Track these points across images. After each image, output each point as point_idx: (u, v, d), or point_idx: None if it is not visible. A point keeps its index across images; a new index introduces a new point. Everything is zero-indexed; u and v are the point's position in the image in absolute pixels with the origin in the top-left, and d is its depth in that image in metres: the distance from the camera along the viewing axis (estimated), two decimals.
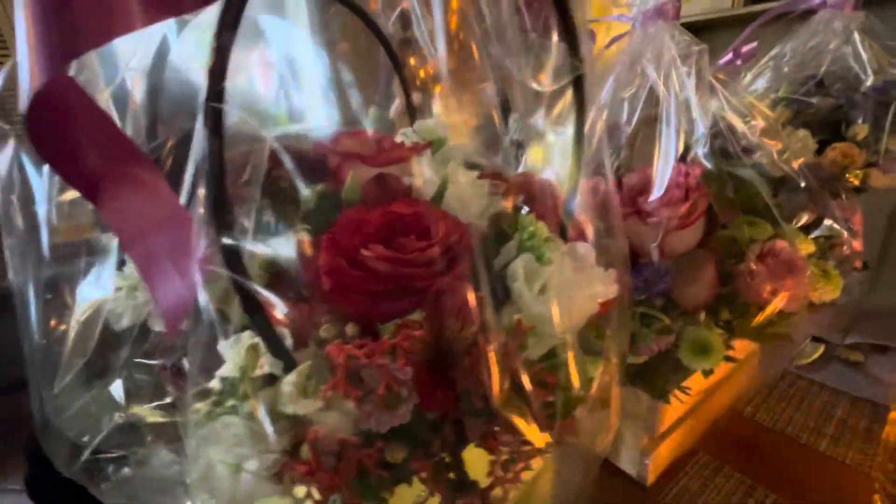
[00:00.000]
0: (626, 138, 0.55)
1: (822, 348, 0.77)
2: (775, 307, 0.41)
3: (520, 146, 0.45)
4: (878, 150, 0.65)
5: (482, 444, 0.21)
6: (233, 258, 0.18)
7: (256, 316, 0.20)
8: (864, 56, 0.70)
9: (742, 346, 0.52)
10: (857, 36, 0.71)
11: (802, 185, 0.58)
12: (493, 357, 0.20)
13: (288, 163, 0.21)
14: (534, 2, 0.26)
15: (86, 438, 0.26)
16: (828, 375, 0.71)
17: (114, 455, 0.28)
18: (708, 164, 0.46)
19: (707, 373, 0.48)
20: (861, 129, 0.66)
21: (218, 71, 0.17)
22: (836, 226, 0.53)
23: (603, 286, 0.29)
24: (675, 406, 0.53)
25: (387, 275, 0.25)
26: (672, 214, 0.42)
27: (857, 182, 0.67)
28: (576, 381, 0.23)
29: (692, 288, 0.42)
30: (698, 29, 2.69)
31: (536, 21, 0.26)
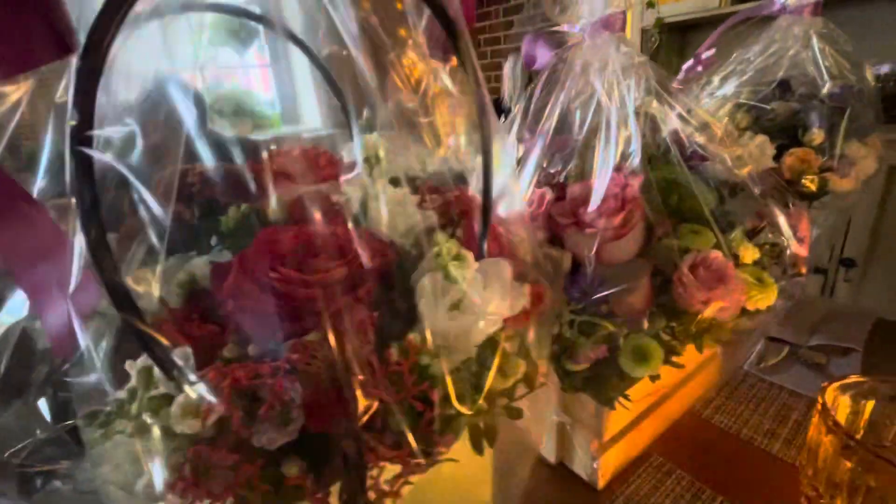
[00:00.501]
0: (577, 148, 0.55)
1: (786, 350, 0.78)
2: (708, 315, 0.42)
3: None
4: (834, 155, 0.66)
5: (369, 461, 0.22)
6: (116, 292, 0.19)
7: (143, 339, 0.21)
8: (822, 62, 0.71)
9: (694, 353, 0.53)
10: (815, 42, 0.72)
11: (757, 191, 0.59)
12: (358, 377, 0.21)
13: (143, 212, 0.22)
14: (434, 31, 0.27)
15: (7, 454, 0.27)
16: (788, 377, 0.72)
17: (41, 469, 0.29)
18: (644, 174, 0.47)
19: (654, 378, 0.49)
20: (817, 135, 0.67)
21: (83, 115, 0.18)
22: (781, 232, 0.54)
23: (511, 301, 0.31)
24: (624, 411, 0.54)
25: (288, 296, 0.26)
26: (607, 225, 0.43)
27: (813, 187, 0.68)
28: (453, 397, 0.24)
29: (628, 297, 0.43)
30: (687, 27, 2.68)
31: (436, 50, 0.27)
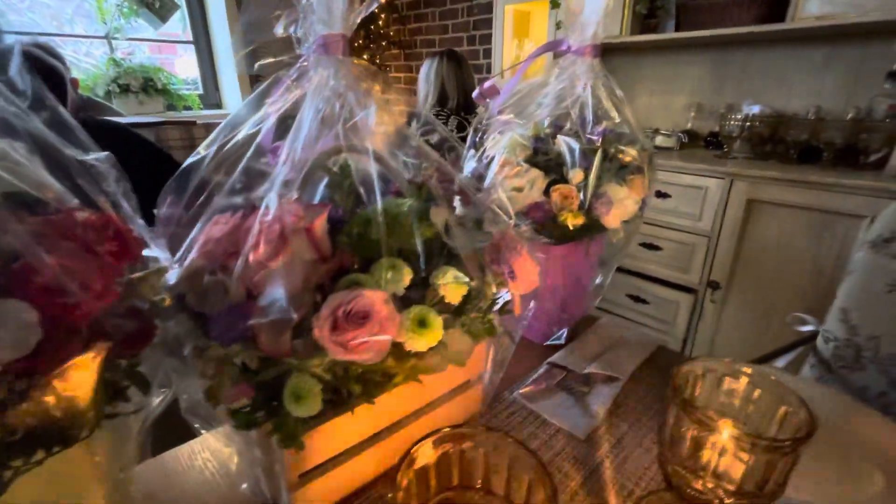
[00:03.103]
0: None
1: (560, 376, 0.81)
2: (347, 358, 0.41)
3: None
4: (587, 194, 0.69)
5: None
6: None
7: None
8: (592, 103, 0.73)
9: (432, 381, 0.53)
10: (591, 83, 0.74)
11: (512, 222, 0.60)
12: None
13: None
14: None
15: None
16: (547, 405, 0.74)
17: None
18: (341, 207, 0.46)
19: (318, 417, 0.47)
20: (576, 174, 0.70)
21: None
22: (495, 269, 0.54)
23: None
24: (330, 441, 0.53)
25: None
26: (256, 258, 0.42)
27: (570, 223, 0.70)
28: None
29: (269, 335, 0.41)
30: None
31: None
